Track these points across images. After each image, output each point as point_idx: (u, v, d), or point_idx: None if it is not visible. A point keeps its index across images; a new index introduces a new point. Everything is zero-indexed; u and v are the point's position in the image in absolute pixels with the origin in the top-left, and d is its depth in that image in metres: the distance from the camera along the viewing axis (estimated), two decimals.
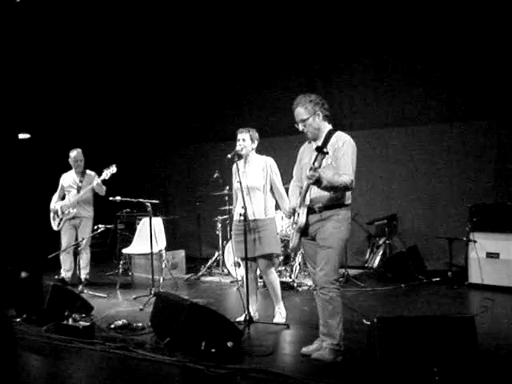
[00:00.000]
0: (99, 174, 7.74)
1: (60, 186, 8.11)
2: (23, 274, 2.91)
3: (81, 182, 7.96)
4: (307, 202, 4.38)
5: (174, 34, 10.39)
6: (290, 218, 4.69)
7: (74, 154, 7.99)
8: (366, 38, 8.90)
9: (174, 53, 10.61)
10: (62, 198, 8.11)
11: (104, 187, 7.87)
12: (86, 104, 11.38)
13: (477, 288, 7.12)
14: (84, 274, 7.85)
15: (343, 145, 4.31)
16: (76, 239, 7.94)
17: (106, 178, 7.64)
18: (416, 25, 8.43)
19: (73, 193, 7.95)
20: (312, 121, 4.43)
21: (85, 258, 7.91)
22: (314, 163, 4.08)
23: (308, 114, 4.42)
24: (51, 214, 8.08)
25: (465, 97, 8.29)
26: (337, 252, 4.37)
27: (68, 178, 8.07)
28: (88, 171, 8.09)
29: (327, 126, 4.50)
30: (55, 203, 8.05)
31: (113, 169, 7.64)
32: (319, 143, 4.39)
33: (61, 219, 7.92)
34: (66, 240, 7.95)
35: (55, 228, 8.02)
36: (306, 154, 4.63)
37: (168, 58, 10.74)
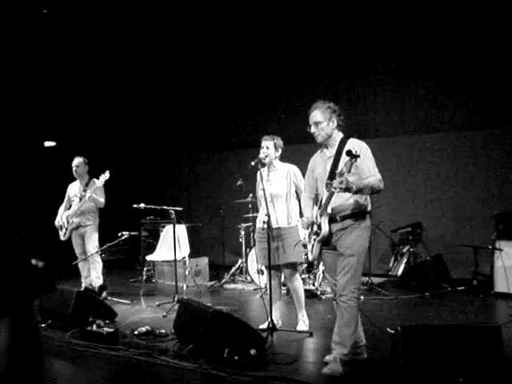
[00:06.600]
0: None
1: (67, 197, 7.86)
2: (35, 262, 2.82)
3: (84, 191, 7.57)
4: (329, 211, 4.33)
5: (197, 42, 10.48)
6: (307, 229, 4.64)
7: (73, 161, 7.73)
8: (390, 45, 8.89)
9: (199, 61, 10.70)
10: (69, 208, 7.78)
11: (101, 198, 7.56)
12: (110, 112, 11.51)
13: (503, 297, 7.03)
14: (98, 283, 7.59)
15: (360, 150, 4.28)
16: (84, 248, 7.69)
17: (100, 184, 7.37)
18: (441, 32, 8.40)
19: (76, 202, 7.63)
20: (326, 125, 4.47)
21: (97, 267, 7.62)
22: (339, 168, 4.05)
23: (324, 118, 4.47)
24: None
25: (490, 104, 8.20)
26: (359, 260, 4.34)
27: (74, 188, 7.81)
28: (94, 180, 7.59)
29: (339, 135, 4.52)
30: (60, 216, 7.74)
31: (106, 174, 7.37)
32: (333, 151, 4.43)
33: (66, 229, 7.63)
34: (77, 248, 7.71)
35: (62, 238, 7.70)
36: (319, 163, 4.61)
37: (192, 66, 10.83)
